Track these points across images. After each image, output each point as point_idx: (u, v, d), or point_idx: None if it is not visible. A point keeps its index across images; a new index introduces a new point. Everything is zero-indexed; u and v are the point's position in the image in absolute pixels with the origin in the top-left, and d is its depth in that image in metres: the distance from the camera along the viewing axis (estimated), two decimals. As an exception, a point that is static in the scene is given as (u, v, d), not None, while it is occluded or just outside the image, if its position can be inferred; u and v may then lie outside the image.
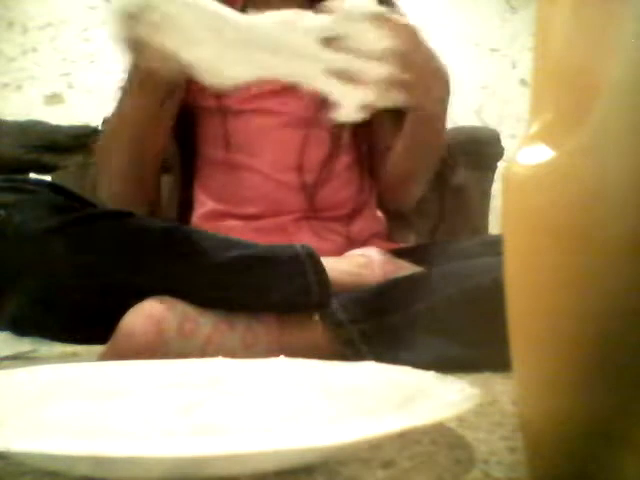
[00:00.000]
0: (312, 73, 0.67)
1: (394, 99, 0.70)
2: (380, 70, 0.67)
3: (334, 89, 0.67)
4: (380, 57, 0.67)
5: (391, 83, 0.68)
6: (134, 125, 0.85)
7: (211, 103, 0.93)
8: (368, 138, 1.00)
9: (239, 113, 0.92)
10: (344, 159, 0.94)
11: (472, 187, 1.61)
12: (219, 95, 0.91)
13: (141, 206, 0.92)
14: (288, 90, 0.91)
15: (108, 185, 0.91)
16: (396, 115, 0.89)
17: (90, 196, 0.78)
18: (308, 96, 0.91)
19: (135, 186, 0.90)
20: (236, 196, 0.92)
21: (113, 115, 0.88)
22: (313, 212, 0.91)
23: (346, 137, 0.95)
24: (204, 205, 0.95)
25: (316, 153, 0.91)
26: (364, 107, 0.68)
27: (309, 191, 0.91)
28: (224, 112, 0.92)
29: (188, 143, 0.99)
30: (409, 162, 0.93)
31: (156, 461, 0.29)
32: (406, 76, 0.69)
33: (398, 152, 0.92)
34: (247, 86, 0.70)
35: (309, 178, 0.91)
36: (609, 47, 0.28)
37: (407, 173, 0.95)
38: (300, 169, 0.91)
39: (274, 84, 0.90)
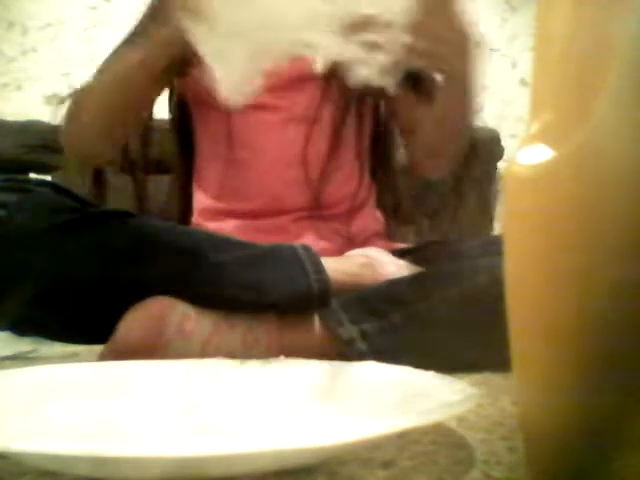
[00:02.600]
0: (327, 41, 0.64)
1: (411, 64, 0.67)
2: (396, 37, 0.63)
3: (352, 53, 0.64)
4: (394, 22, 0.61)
5: (408, 50, 0.65)
6: (129, 80, 0.83)
7: (215, 97, 0.92)
8: (372, 129, 1.00)
9: (245, 108, 0.92)
10: (346, 154, 0.94)
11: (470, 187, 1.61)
12: None
13: (99, 159, 0.94)
14: (289, 85, 0.91)
15: (76, 132, 0.90)
16: (414, 93, 0.88)
17: (90, 196, 0.78)
18: (310, 91, 0.92)
19: (104, 141, 0.90)
20: (237, 192, 0.92)
21: (108, 65, 0.87)
22: (315, 209, 0.91)
23: (348, 132, 0.95)
24: (203, 203, 0.95)
25: (319, 148, 0.91)
26: (385, 71, 0.65)
27: (314, 186, 0.91)
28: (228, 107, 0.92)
29: (188, 141, 0.99)
30: (438, 133, 0.91)
31: (156, 461, 0.29)
32: (422, 44, 0.65)
33: (427, 125, 0.91)
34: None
35: (313, 173, 0.91)
36: (609, 47, 0.28)
37: (437, 145, 0.92)
38: (304, 164, 0.90)
39: (275, 79, 0.90)
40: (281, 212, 0.90)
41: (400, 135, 1.00)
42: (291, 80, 0.91)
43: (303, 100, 0.92)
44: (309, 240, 0.86)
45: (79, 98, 0.90)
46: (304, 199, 0.91)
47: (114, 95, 0.85)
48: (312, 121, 0.91)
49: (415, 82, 0.93)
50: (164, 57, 0.79)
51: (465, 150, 0.94)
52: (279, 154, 0.91)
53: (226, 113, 0.91)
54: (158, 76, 0.82)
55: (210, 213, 0.94)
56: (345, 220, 0.94)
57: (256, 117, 0.92)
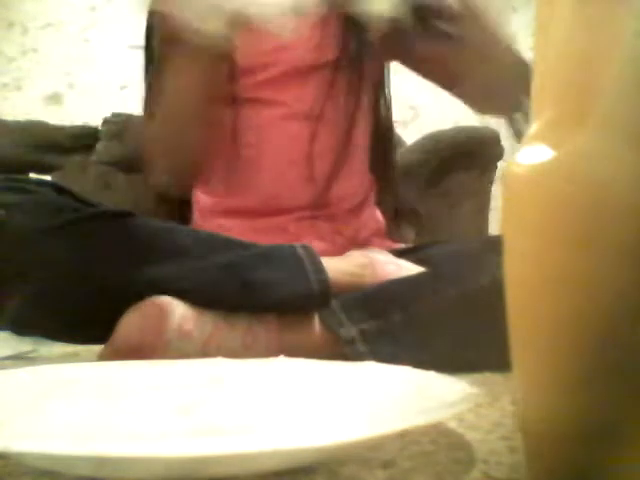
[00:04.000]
0: None
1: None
2: None
3: None
4: None
5: None
6: (194, 97, 0.84)
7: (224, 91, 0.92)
8: (372, 126, 0.99)
9: (243, 102, 0.91)
10: (350, 152, 0.94)
11: (470, 187, 1.61)
12: (233, 82, 0.90)
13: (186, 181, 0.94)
14: (292, 80, 0.91)
15: (165, 170, 0.91)
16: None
17: (90, 196, 0.78)
18: (315, 86, 0.91)
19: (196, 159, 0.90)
20: (238, 190, 0.91)
21: (161, 100, 0.86)
22: (317, 208, 0.91)
23: (356, 129, 0.94)
24: (204, 202, 0.95)
25: (325, 145, 0.91)
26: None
27: (318, 184, 0.90)
28: (235, 101, 0.91)
29: None
30: (481, 70, 0.87)
31: (156, 461, 0.29)
32: None
33: (467, 68, 0.88)
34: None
35: (318, 171, 0.90)
36: (609, 46, 0.28)
37: (487, 83, 0.89)
38: (309, 161, 0.90)
39: (277, 72, 0.90)
40: (282, 211, 0.90)
41: (448, 90, 0.95)
42: (293, 74, 0.90)
43: (307, 95, 0.91)
44: (309, 240, 0.86)
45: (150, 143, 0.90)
46: (307, 197, 0.90)
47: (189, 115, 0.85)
48: (317, 117, 0.91)
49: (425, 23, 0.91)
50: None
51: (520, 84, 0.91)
52: (281, 151, 0.90)
53: (228, 109, 0.91)
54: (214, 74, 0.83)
55: (211, 212, 0.94)
56: (345, 220, 0.94)
57: (258, 113, 0.91)
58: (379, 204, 1.02)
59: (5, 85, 2.66)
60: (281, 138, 0.91)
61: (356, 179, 0.95)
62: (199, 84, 0.83)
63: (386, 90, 1.00)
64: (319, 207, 0.91)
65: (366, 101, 0.96)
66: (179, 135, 0.88)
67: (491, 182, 1.66)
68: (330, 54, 0.90)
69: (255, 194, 0.91)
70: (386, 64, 0.98)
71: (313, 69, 0.90)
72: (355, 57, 0.90)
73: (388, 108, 1.01)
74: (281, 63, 0.90)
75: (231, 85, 0.90)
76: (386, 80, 0.99)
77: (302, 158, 0.90)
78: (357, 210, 0.95)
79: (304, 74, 0.91)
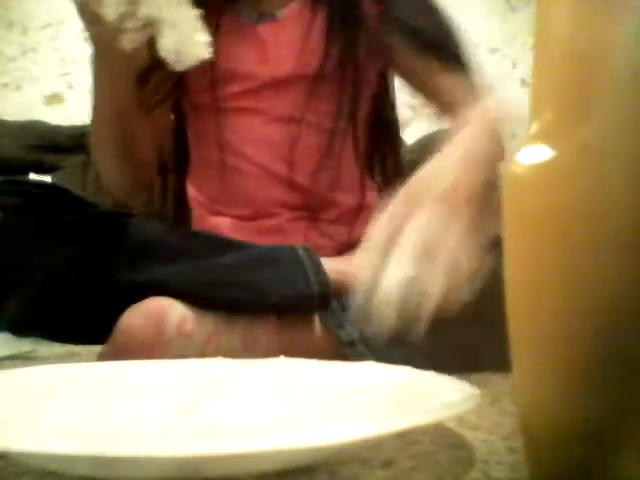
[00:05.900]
0: None
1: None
2: None
3: None
4: None
5: None
6: (110, 112, 0.83)
7: (205, 100, 0.92)
8: (375, 132, 0.99)
9: (227, 111, 0.91)
10: (343, 157, 0.93)
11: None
12: (213, 91, 0.90)
13: (137, 194, 0.94)
14: (271, 87, 0.91)
15: (104, 175, 0.92)
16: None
17: (90, 196, 0.78)
18: (295, 92, 0.91)
19: (128, 175, 0.90)
20: (227, 196, 0.91)
21: (93, 106, 0.87)
22: (310, 212, 0.90)
23: (344, 133, 0.94)
24: (199, 205, 0.95)
25: (308, 150, 0.90)
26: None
27: (303, 187, 0.90)
28: (216, 109, 0.91)
29: (183, 142, 0.99)
30: None
31: (156, 461, 0.29)
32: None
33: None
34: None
35: (301, 176, 0.90)
36: (609, 47, 0.28)
37: None
38: (290, 166, 0.89)
39: (257, 82, 0.90)
40: (270, 214, 0.89)
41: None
42: (273, 85, 0.90)
43: (287, 102, 0.90)
44: (308, 241, 0.86)
45: (92, 149, 0.91)
46: (292, 201, 0.90)
47: (112, 135, 0.85)
48: (297, 121, 0.90)
49: None
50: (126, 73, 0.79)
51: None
52: (264, 157, 0.90)
53: (216, 114, 0.90)
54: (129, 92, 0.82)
55: (207, 212, 0.94)
56: (346, 223, 0.93)
57: (238, 120, 0.91)
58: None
59: (5, 85, 2.66)
60: (261, 144, 0.90)
61: (347, 182, 0.94)
62: (109, 95, 0.82)
63: (390, 96, 1.00)
64: (308, 210, 0.90)
65: (355, 107, 0.94)
66: (104, 149, 0.88)
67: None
68: (310, 66, 0.90)
69: (242, 198, 0.90)
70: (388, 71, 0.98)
71: (293, 80, 0.90)
72: (337, 69, 0.89)
73: (392, 113, 1.01)
74: (260, 75, 0.90)
75: (211, 95, 0.90)
76: (389, 85, 0.99)
77: (283, 161, 0.89)
78: (354, 213, 0.94)
79: (283, 84, 0.90)
